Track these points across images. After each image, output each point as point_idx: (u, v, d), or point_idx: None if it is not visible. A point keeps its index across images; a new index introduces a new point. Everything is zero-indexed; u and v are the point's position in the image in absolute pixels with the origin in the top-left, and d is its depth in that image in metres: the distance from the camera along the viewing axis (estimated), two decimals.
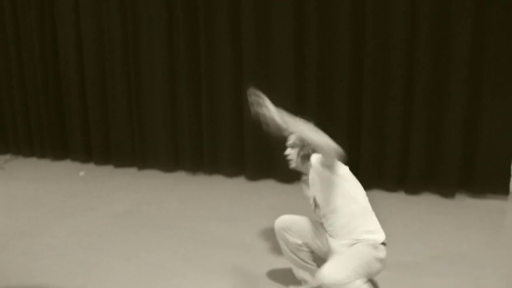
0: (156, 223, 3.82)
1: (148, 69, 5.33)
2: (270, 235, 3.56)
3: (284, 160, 4.90)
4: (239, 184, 5.03)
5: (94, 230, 3.65)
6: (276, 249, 3.28)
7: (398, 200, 4.51)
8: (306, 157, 2.53)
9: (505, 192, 4.61)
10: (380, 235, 2.31)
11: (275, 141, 4.96)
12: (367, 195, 2.40)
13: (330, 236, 2.42)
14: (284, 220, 2.60)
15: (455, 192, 4.59)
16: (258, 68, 4.91)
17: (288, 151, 2.63)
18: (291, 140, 2.62)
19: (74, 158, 6.03)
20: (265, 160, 5.10)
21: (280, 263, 3.05)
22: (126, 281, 2.79)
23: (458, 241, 3.51)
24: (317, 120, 4.65)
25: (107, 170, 5.63)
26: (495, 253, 3.34)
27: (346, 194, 2.31)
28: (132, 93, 5.43)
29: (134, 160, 5.60)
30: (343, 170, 2.37)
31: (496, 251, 3.39)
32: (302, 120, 2.36)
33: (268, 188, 4.89)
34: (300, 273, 2.63)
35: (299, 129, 2.33)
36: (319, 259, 2.55)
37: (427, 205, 4.39)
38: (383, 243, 2.28)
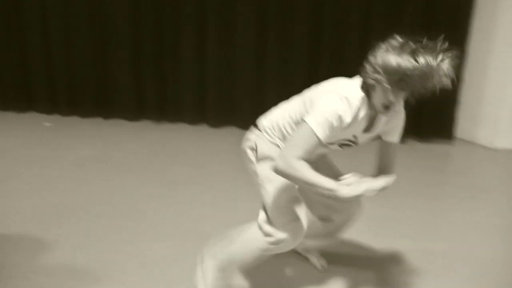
0: (123, 167, 4.00)
1: (112, 17, 5.33)
2: (231, 177, 3.80)
3: (245, 108, 5.14)
4: (202, 131, 5.23)
5: (63, 175, 3.79)
6: (238, 189, 3.53)
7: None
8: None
9: (450, 137, 4.96)
10: None
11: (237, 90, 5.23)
12: None
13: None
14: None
15: (405, 137, 4.89)
16: (220, 12, 5.05)
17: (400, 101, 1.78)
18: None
19: (39, 110, 6.03)
20: (227, 107, 5.28)
21: (243, 201, 3.32)
22: (98, 221, 2.98)
23: (404, 180, 3.81)
24: (278, 63, 4.95)
25: (73, 121, 5.68)
26: (434, 190, 3.68)
27: None
28: (96, 43, 5.44)
29: (99, 110, 5.68)
30: None
31: (435, 188, 3.72)
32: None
33: (230, 134, 5.10)
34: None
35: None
36: None
37: None
38: None
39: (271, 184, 1.93)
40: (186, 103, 5.39)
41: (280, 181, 1.89)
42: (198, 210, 3.16)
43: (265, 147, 1.98)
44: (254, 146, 2.01)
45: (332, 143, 1.93)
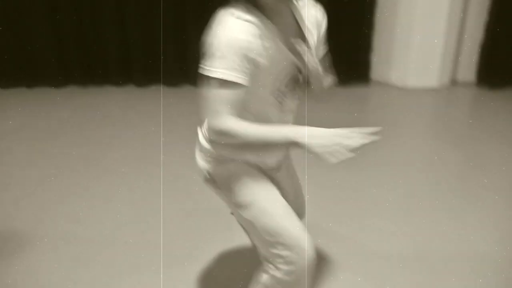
0: (51, 133, 4.02)
1: None
2: (160, 134, 3.94)
3: (169, 64, 5.20)
4: (129, 92, 5.27)
5: None
6: (167, 146, 3.69)
7: None
8: None
9: (366, 79, 5.30)
10: None
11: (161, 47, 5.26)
12: None
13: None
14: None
15: None
16: None
17: None
18: None
19: None
20: (152, 66, 5.33)
21: (173, 156, 3.48)
22: (29, 185, 3.07)
23: (326, 123, 4.08)
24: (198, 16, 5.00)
25: None
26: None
27: None
28: (10, 10, 5.27)
29: (22, 80, 5.55)
30: None
31: (355, 128, 4.03)
32: None
33: (157, 92, 5.19)
34: None
35: None
36: None
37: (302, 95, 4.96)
38: None
39: (249, 210, 1.48)
40: (111, 65, 5.38)
41: (260, 200, 1.48)
42: (130, 167, 3.30)
43: (218, 169, 1.53)
44: (208, 175, 1.55)
45: (276, 84, 1.41)
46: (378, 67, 5.35)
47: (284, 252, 1.41)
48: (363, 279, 2.06)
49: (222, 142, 1.38)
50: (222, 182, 1.52)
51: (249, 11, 1.28)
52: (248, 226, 1.52)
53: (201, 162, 1.55)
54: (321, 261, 2.02)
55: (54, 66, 5.43)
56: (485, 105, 4.66)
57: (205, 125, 1.49)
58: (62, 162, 3.40)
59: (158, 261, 2.19)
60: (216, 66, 1.24)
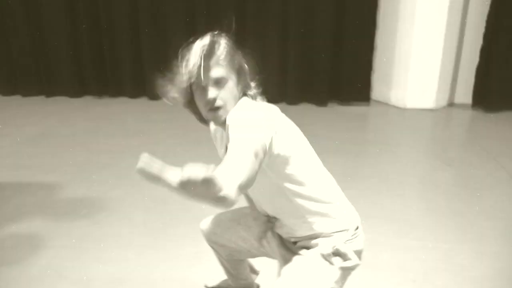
0: (70, 140, 4.30)
1: None
2: (171, 143, 4.21)
3: None
4: (142, 104, 5.58)
5: (12, 152, 4.04)
6: (176, 153, 3.95)
7: (281, 109, 5.27)
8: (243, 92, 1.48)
9: (367, 99, 5.55)
10: (352, 215, 1.66)
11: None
12: None
13: (275, 227, 1.68)
14: (208, 228, 1.85)
15: (327, 101, 5.44)
16: None
17: (213, 92, 1.37)
18: (217, 72, 1.38)
19: None
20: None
21: (181, 162, 3.74)
22: (51, 188, 3.33)
23: (327, 139, 4.29)
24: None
25: (15, 100, 5.83)
26: (355, 147, 4.19)
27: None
28: (32, 22, 5.59)
29: (42, 89, 5.86)
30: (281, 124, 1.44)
31: (355, 145, 4.24)
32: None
33: (168, 105, 5.44)
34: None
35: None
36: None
37: (305, 112, 5.21)
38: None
39: None
40: (125, 77, 5.69)
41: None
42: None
43: None
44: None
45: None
46: (379, 87, 5.60)
47: None
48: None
49: None
50: None
51: None
52: None
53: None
54: None
55: (72, 77, 5.74)
56: (479, 127, 4.84)
57: None
58: (81, 168, 3.66)
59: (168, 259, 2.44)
60: None
